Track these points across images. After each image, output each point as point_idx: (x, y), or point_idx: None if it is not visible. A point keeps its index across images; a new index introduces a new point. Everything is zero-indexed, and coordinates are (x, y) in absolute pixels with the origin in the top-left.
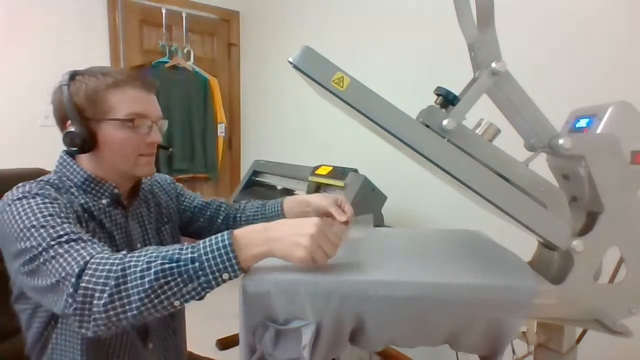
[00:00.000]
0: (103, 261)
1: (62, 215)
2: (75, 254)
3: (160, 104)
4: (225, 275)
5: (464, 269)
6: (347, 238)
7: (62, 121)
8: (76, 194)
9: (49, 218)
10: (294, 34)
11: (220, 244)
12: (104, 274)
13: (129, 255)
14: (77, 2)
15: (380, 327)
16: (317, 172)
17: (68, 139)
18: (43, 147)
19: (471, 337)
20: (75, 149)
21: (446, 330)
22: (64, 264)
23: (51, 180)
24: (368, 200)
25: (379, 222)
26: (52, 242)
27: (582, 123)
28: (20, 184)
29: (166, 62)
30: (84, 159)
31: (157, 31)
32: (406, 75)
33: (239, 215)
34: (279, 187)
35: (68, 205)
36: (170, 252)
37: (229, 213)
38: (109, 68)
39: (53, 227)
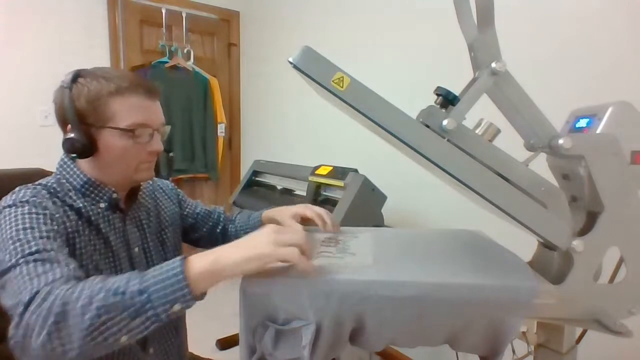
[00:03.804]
0: (50, 296)
1: (43, 228)
2: (34, 279)
3: (161, 104)
4: (177, 307)
5: (464, 269)
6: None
7: (63, 123)
8: (74, 197)
9: (28, 231)
10: (294, 34)
11: (171, 272)
12: (45, 310)
13: (74, 286)
14: (77, 3)
15: (380, 327)
16: (317, 172)
17: (68, 144)
18: (43, 147)
19: (471, 337)
20: (74, 155)
21: (446, 330)
22: (22, 288)
23: (49, 184)
24: (368, 200)
25: (379, 222)
26: (20, 260)
27: (582, 123)
28: (18, 188)
29: (166, 62)
30: (84, 163)
31: (157, 31)
32: (406, 75)
33: (229, 226)
34: (279, 187)
35: (57, 215)
36: (116, 284)
37: (225, 224)
38: (113, 72)
39: (28, 241)
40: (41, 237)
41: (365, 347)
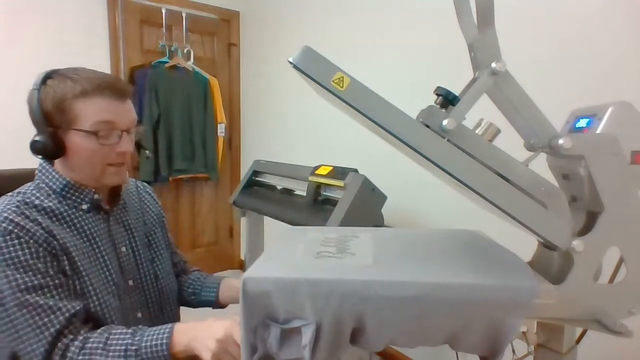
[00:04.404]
0: None
1: (23, 257)
2: (37, 330)
3: (160, 104)
4: None
5: (464, 269)
6: None
7: (35, 124)
8: (55, 201)
9: (16, 261)
10: (294, 34)
11: (160, 348)
12: None
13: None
14: (77, 2)
15: (380, 327)
16: (317, 172)
17: (35, 146)
18: None
19: (471, 337)
20: (41, 157)
21: (446, 330)
22: (28, 336)
23: (28, 192)
24: (368, 200)
25: (379, 222)
26: (12, 298)
27: (582, 123)
28: (1, 199)
29: (166, 62)
30: (61, 166)
31: (157, 31)
32: (406, 75)
33: (183, 276)
34: (279, 187)
35: (37, 233)
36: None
37: (181, 271)
38: (83, 73)
39: (16, 279)
40: (25, 272)
41: (366, 347)
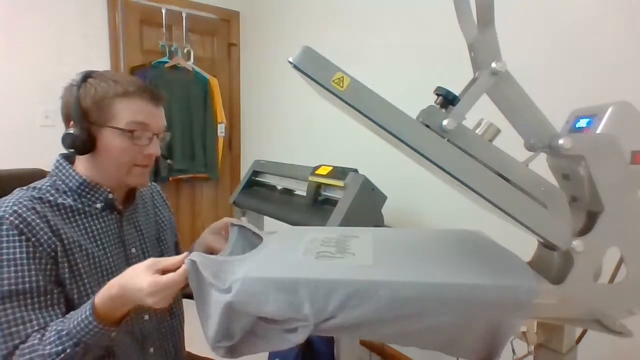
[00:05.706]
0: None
1: (18, 256)
2: (4, 337)
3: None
4: (113, 334)
5: (464, 269)
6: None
7: (67, 120)
8: (69, 199)
9: (4, 263)
10: (294, 34)
11: (90, 325)
12: None
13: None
14: (77, 3)
15: (380, 327)
16: (317, 172)
17: (68, 139)
18: (43, 147)
19: (469, 339)
20: (72, 150)
21: (445, 331)
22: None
23: (44, 187)
24: (368, 200)
25: (379, 222)
26: None
27: (582, 123)
28: (16, 191)
29: (166, 62)
30: (81, 162)
31: (157, 31)
32: (406, 75)
33: None
34: (279, 187)
35: (40, 231)
36: (54, 349)
37: None
38: (122, 76)
39: (1, 279)
40: (15, 272)
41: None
